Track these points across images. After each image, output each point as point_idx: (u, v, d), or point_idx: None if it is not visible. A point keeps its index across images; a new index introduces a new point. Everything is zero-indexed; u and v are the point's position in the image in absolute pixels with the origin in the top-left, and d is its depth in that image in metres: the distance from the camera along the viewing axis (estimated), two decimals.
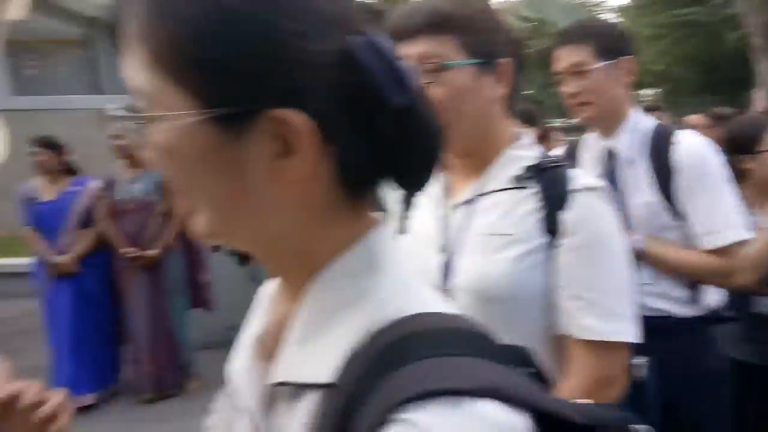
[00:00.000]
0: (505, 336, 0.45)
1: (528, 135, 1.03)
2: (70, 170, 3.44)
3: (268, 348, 0.49)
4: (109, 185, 3.35)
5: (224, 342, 4.23)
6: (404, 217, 1.07)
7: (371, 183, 0.46)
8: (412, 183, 0.46)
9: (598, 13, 15.31)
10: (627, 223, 1.44)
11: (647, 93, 10.44)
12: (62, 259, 3.33)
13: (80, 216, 3.37)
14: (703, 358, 1.45)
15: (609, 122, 1.50)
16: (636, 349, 0.94)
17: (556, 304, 0.91)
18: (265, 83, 0.39)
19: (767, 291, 1.66)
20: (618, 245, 0.93)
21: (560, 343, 0.92)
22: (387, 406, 0.36)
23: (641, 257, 1.41)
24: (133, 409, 3.36)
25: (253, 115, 0.40)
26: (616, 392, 0.92)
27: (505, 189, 0.96)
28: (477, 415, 0.35)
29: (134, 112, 0.43)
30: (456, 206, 1.00)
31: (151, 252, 3.30)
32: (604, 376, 0.90)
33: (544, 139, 3.32)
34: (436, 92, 0.91)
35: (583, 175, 0.96)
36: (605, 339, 0.89)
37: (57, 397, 0.80)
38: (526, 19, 10.62)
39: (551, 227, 0.91)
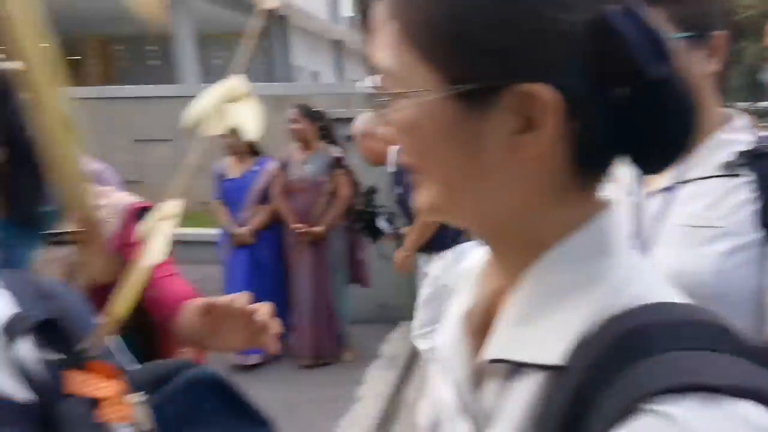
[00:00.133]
0: None
1: (742, 117, 0.94)
2: (254, 151, 3.78)
3: (477, 324, 0.49)
4: (284, 166, 3.65)
5: (376, 318, 4.41)
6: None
7: (607, 162, 0.43)
8: (655, 164, 0.43)
9: None
10: None
11: None
12: (241, 230, 3.69)
13: (259, 193, 3.71)
14: None
15: None
16: None
17: None
18: (515, 57, 0.38)
19: None
20: None
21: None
22: (634, 396, 0.34)
23: None
24: (293, 372, 3.62)
25: (499, 90, 0.39)
26: None
27: (713, 176, 0.88)
28: (738, 416, 0.33)
29: (379, 91, 0.44)
30: (651, 193, 0.93)
31: (318, 228, 3.56)
32: None
33: None
34: None
35: None
36: None
37: (265, 309, 0.93)
38: None
39: None
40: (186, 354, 1.19)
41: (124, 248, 1.15)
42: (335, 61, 17.69)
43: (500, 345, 0.44)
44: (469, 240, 2.88)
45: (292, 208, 3.61)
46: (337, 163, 3.60)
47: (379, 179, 3.48)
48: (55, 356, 0.41)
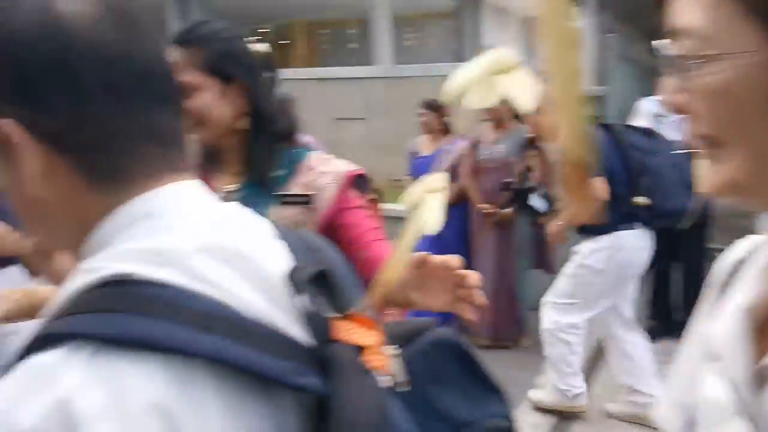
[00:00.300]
0: None
1: None
2: (447, 130, 3.85)
3: (762, 322, 0.45)
4: (475, 145, 3.65)
5: None
6: None
7: None
8: None
9: None
10: None
11: None
12: None
13: (447, 171, 3.77)
14: None
15: None
16: None
17: None
18: None
19: None
20: None
21: None
22: None
23: None
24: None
25: None
26: None
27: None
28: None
29: (681, 55, 0.41)
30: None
31: (505, 210, 3.52)
32: None
33: None
34: None
35: None
36: None
37: (475, 277, 0.94)
38: None
39: None
40: (392, 315, 1.25)
41: (341, 212, 1.25)
42: (525, 39, 17.16)
43: None
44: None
45: (479, 188, 3.61)
46: (530, 143, 3.51)
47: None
48: (324, 304, 0.45)
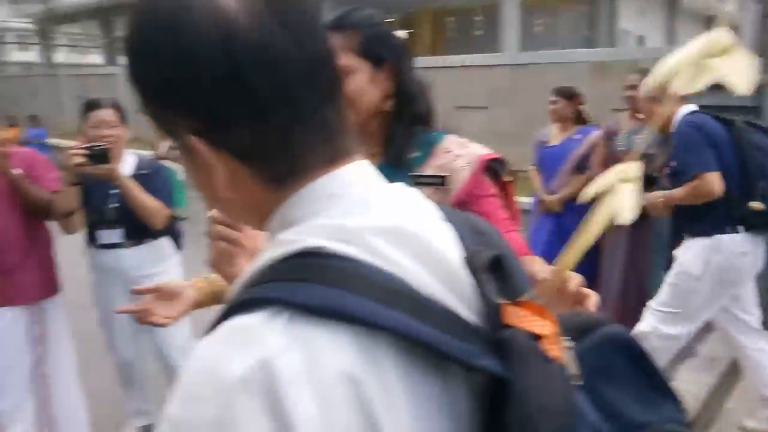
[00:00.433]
0: None
1: None
2: (580, 119, 3.67)
3: None
4: (610, 135, 3.45)
5: None
6: None
7: None
8: None
9: None
10: None
11: None
12: (550, 197, 3.64)
13: (576, 162, 3.60)
14: None
15: None
16: None
17: None
18: None
19: None
20: None
21: None
22: None
23: None
24: None
25: None
26: None
27: None
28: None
29: None
30: None
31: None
32: None
33: None
34: None
35: None
36: None
37: (593, 296, 0.94)
38: None
39: None
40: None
41: (474, 199, 1.23)
42: (666, 23, 15.99)
43: None
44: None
45: None
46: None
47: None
48: (497, 289, 0.45)
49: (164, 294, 1.15)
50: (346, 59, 1.16)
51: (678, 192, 2.62)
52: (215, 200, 0.54)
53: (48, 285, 2.57)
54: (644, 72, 3.29)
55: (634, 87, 3.27)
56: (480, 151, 1.28)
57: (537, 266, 1.16)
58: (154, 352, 2.75)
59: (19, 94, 14.98)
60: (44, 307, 2.56)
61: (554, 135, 3.70)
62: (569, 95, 3.59)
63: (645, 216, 3.29)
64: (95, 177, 2.33)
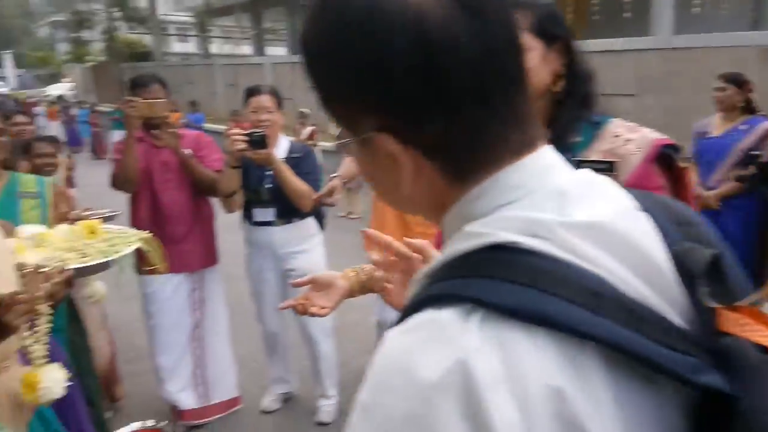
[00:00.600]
0: None
1: None
2: (749, 108, 3.33)
3: None
4: None
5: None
6: None
7: None
8: None
9: None
10: None
11: None
12: (707, 193, 3.34)
13: (740, 154, 3.26)
14: None
15: None
16: None
17: None
18: None
19: None
20: None
21: None
22: None
23: None
24: None
25: None
26: None
27: None
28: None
29: None
30: None
31: None
32: None
33: None
34: None
35: None
36: None
37: None
38: None
39: None
40: None
41: (638, 188, 1.16)
42: None
43: None
44: None
45: None
46: None
47: None
48: (713, 293, 0.41)
49: (319, 285, 1.19)
50: (522, 38, 1.14)
51: None
52: (393, 197, 0.52)
53: (209, 255, 2.83)
54: None
55: None
56: (652, 135, 1.20)
57: None
58: (296, 326, 2.91)
59: (179, 81, 16.43)
60: (204, 275, 2.82)
61: (717, 125, 3.38)
62: (739, 82, 3.26)
63: None
64: (253, 160, 2.50)
